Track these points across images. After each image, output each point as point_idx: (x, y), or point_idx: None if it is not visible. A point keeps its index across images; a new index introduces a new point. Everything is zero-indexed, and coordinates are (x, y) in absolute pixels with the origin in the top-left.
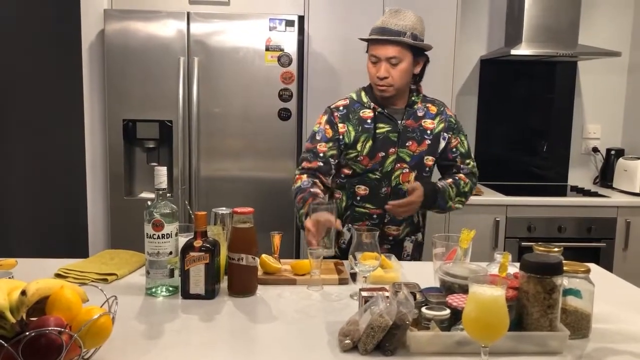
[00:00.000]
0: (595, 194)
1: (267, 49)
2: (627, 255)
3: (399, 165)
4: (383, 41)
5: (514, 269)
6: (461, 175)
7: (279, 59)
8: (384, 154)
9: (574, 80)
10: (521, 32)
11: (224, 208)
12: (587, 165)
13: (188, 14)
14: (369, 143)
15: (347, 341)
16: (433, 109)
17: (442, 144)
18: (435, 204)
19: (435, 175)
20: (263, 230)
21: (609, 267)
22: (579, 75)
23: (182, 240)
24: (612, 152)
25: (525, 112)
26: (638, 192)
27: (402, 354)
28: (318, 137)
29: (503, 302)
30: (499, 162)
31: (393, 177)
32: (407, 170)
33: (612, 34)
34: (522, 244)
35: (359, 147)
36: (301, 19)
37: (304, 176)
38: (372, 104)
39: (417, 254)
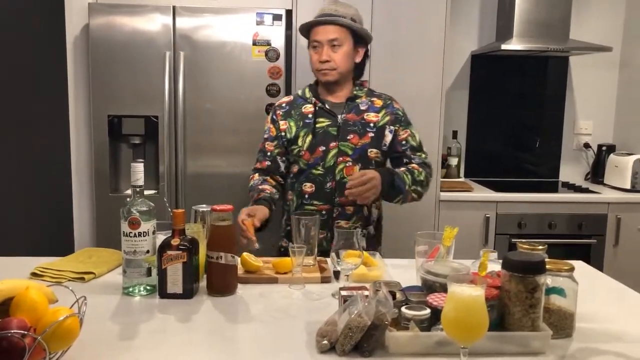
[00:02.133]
0: (587, 190)
1: (254, 44)
2: (618, 252)
3: (341, 158)
4: (323, 23)
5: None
6: (414, 165)
7: (266, 53)
8: (324, 148)
9: (565, 75)
10: (512, 26)
11: (204, 205)
12: (578, 161)
13: (174, 7)
14: (309, 137)
15: (324, 342)
16: (378, 103)
17: (389, 136)
18: (394, 186)
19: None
20: None
21: (599, 263)
22: (571, 70)
23: (162, 238)
24: (604, 148)
25: (517, 107)
26: (629, 188)
27: (381, 354)
28: (266, 136)
29: (482, 302)
30: (490, 158)
31: (337, 171)
32: (351, 163)
33: (603, 29)
34: (513, 240)
35: (299, 142)
36: (289, 13)
37: (256, 175)
38: (314, 99)
39: (371, 248)
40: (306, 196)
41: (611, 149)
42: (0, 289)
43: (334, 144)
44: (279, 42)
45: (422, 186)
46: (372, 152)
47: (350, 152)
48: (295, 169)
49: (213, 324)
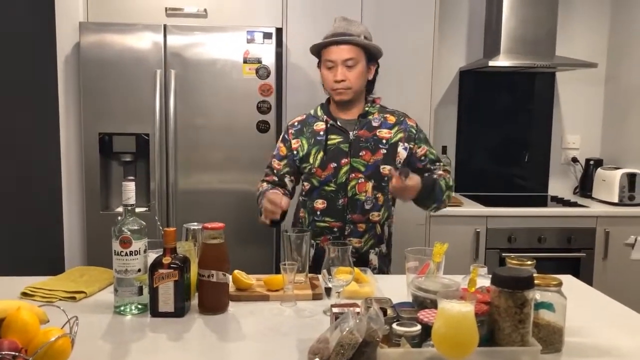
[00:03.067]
0: (575, 204)
1: (245, 61)
2: (607, 265)
3: (353, 175)
4: (339, 42)
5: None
6: (439, 172)
7: (257, 71)
8: (336, 164)
9: (552, 90)
10: (499, 43)
11: (195, 223)
12: (567, 176)
13: (165, 26)
14: (320, 154)
15: (316, 359)
16: (391, 119)
17: (403, 154)
18: (433, 192)
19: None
20: (243, 243)
21: (588, 277)
22: (558, 85)
23: (153, 256)
24: (591, 162)
25: (505, 122)
26: (616, 202)
27: None
28: (274, 153)
29: (472, 318)
30: (479, 173)
31: (349, 187)
32: (363, 180)
33: (588, 45)
34: (503, 254)
35: (311, 159)
36: (279, 31)
37: (265, 184)
38: (325, 117)
39: (384, 267)
40: (318, 213)
41: (599, 163)
42: None
43: (346, 160)
44: (269, 60)
45: (451, 190)
46: (385, 169)
47: (362, 169)
48: (307, 186)
49: (205, 342)
